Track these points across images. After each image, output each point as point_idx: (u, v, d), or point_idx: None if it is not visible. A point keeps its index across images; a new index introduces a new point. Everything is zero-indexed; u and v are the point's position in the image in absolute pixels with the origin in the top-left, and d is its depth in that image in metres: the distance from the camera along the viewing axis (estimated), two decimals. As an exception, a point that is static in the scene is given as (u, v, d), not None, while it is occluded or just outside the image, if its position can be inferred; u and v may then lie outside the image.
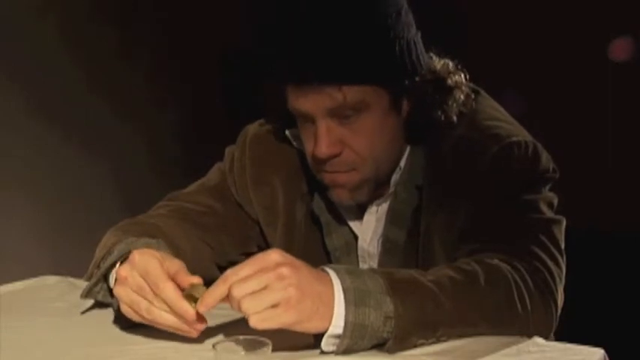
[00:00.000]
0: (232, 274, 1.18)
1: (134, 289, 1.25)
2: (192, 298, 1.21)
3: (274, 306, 1.15)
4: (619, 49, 3.49)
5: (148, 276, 1.24)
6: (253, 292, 1.15)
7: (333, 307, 1.18)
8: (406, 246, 1.51)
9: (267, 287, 1.15)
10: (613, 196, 3.49)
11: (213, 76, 3.73)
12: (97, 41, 3.29)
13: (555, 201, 1.48)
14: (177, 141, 3.65)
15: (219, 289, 1.18)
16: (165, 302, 1.22)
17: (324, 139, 1.42)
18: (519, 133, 1.49)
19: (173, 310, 1.22)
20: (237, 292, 1.16)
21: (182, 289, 1.23)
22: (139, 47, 3.47)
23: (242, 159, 1.65)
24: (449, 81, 1.48)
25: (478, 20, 3.65)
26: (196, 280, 1.24)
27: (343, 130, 1.43)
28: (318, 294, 1.17)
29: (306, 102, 1.41)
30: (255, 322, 1.15)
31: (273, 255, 1.18)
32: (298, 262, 1.19)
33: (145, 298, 1.24)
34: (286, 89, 1.43)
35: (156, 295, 1.23)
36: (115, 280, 1.30)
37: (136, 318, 1.27)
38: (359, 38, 1.37)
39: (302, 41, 1.38)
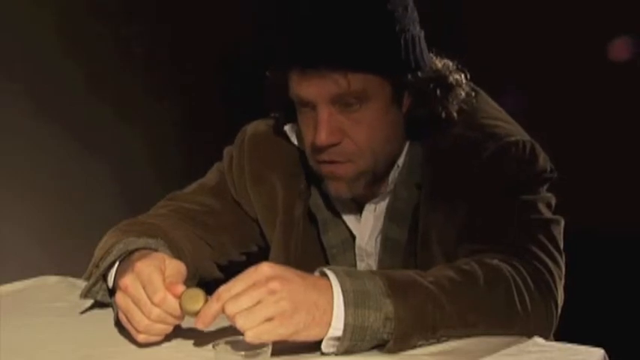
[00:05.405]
0: (225, 292, 1.18)
1: (133, 300, 1.26)
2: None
3: (269, 320, 1.15)
4: (619, 49, 3.49)
5: (148, 286, 1.25)
6: (246, 309, 1.16)
7: (331, 312, 1.18)
8: (405, 244, 1.51)
9: (260, 302, 1.16)
10: (613, 196, 3.49)
11: (213, 76, 3.73)
12: (97, 41, 3.28)
13: (553, 201, 1.48)
14: (178, 141, 3.64)
15: (213, 307, 1.19)
16: (160, 311, 1.24)
17: (324, 126, 1.42)
18: (517, 132, 1.50)
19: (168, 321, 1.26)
20: (230, 310, 1.17)
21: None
22: (139, 47, 3.46)
23: (240, 158, 1.66)
24: (450, 79, 1.49)
25: (478, 20, 3.65)
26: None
27: (344, 119, 1.43)
28: (313, 302, 1.18)
29: (309, 87, 1.41)
30: (251, 337, 1.15)
31: (264, 268, 1.19)
32: (290, 273, 1.19)
33: (141, 310, 1.25)
34: (289, 77, 1.44)
35: (153, 306, 1.24)
36: (117, 286, 1.31)
37: (128, 327, 1.28)
38: (366, 26, 1.39)
39: (309, 26, 1.38)
